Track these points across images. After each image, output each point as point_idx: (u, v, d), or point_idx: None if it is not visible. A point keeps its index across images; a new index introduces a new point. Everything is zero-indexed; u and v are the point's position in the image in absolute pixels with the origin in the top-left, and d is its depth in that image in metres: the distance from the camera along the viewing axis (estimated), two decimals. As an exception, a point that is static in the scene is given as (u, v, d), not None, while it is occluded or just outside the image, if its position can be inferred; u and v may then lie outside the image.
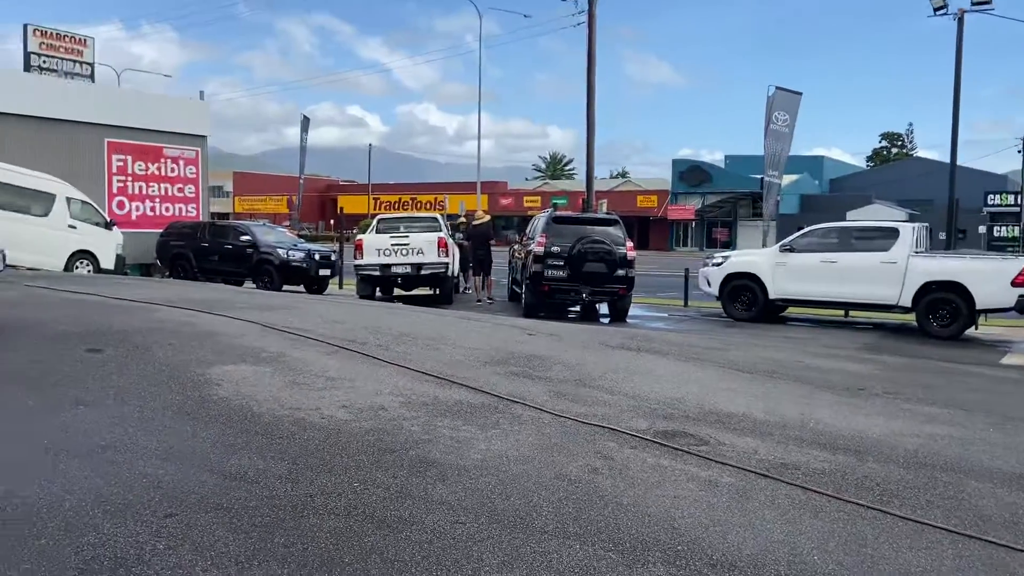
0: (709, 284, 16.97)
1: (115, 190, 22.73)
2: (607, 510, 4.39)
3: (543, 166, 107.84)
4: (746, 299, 16.42)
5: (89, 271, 17.55)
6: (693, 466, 5.17)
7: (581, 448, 5.50)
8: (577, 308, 17.90)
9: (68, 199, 17.68)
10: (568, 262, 15.62)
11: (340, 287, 22.57)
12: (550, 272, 15.70)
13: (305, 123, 30.75)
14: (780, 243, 16.66)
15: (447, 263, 18.58)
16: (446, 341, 8.87)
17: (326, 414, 5.78)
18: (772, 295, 16.05)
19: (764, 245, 23.02)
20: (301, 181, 30.24)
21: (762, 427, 6.21)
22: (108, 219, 19.14)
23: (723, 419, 6.36)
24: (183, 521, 3.95)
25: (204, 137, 25.15)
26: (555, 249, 15.70)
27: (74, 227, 17.60)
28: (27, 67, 24.31)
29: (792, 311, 17.65)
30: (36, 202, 17.02)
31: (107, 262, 18.16)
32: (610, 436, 5.72)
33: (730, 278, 16.55)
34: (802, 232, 16.46)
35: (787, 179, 43.84)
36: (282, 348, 7.65)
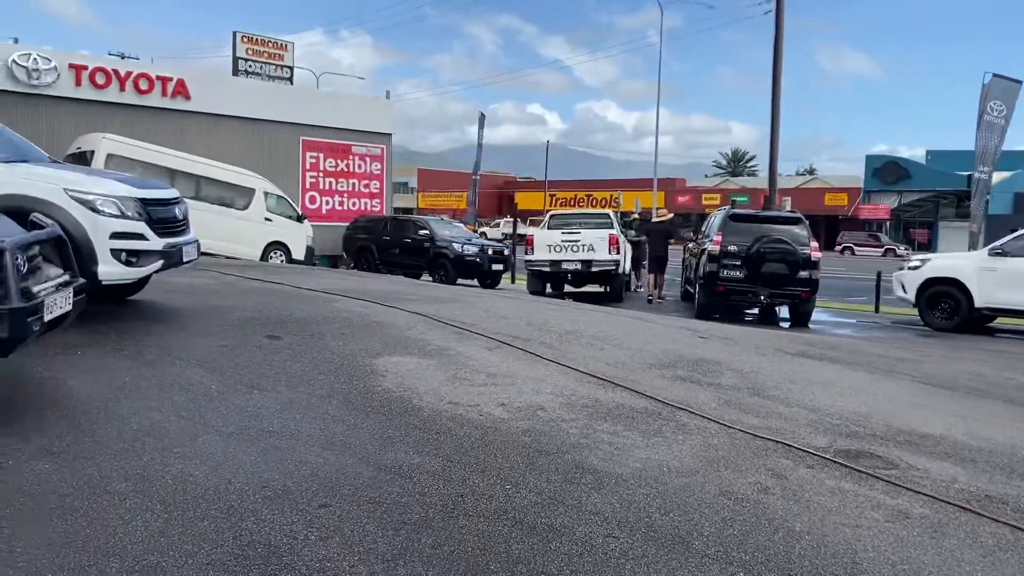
0: (904, 289, 15.51)
1: (307, 185, 24.27)
2: (777, 536, 3.97)
3: (724, 162, 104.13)
4: (947, 307, 14.85)
5: (282, 261, 18.81)
6: (879, 492, 4.61)
7: (751, 464, 5.06)
8: (754, 311, 16.99)
9: (266, 194, 19.02)
10: (746, 262, 14.83)
11: (512, 281, 22.82)
12: (726, 272, 14.98)
13: (481, 120, 31.42)
14: (990, 246, 14.92)
15: (618, 260, 18.25)
16: (611, 341, 8.59)
17: (484, 411, 5.70)
18: (978, 303, 14.40)
19: (973, 248, 20.80)
20: (476, 177, 30.96)
21: (963, 452, 5.47)
22: (300, 212, 20.42)
23: (916, 440, 5.66)
24: (336, 513, 3.97)
25: (389, 135, 26.30)
26: (732, 248, 14.95)
27: (270, 220, 18.92)
28: (235, 71, 26.44)
29: (1001, 322, 15.79)
30: (238, 196, 18.47)
31: (298, 253, 19.38)
32: (784, 452, 5.24)
33: (929, 283, 15.04)
34: (1017, 234, 14.65)
35: (999, 176, 39.59)
36: (447, 342, 7.69)
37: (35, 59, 18.29)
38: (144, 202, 7.02)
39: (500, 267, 21.71)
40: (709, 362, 7.93)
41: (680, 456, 5.10)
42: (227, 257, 16.35)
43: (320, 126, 24.23)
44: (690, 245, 19.35)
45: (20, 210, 5.86)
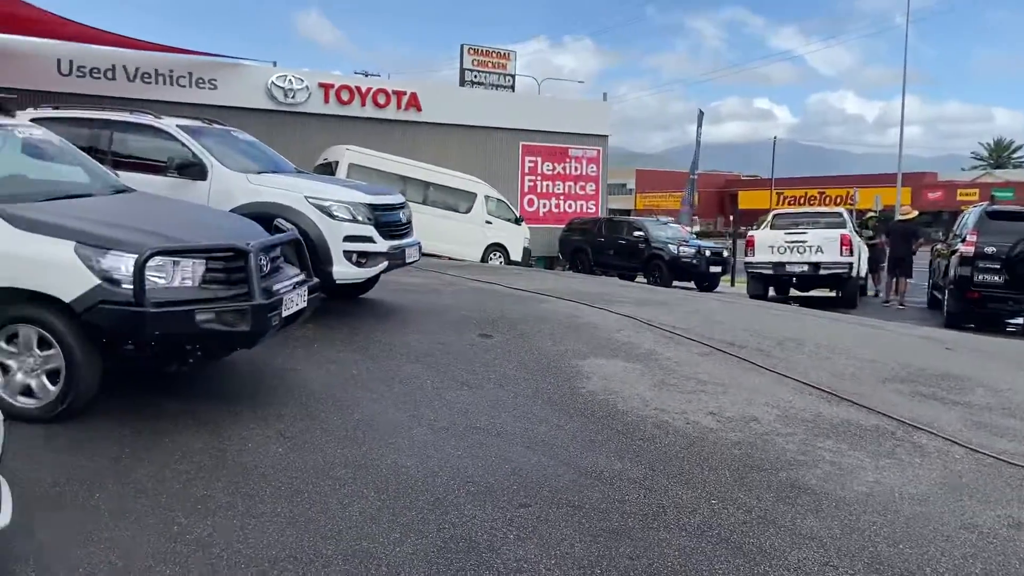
0: None
1: (526, 188, 24.91)
2: (1032, 583, 3.44)
3: (984, 153, 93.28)
4: None
5: (500, 262, 19.46)
6: None
7: (1001, 494, 4.45)
8: (1017, 321, 15.02)
9: (486, 197, 19.78)
10: (1006, 266, 13.11)
11: (732, 284, 21.95)
12: (981, 277, 13.34)
13: (700, 117, 30.48)
14: None
15: (851, 263, 16.87)
16: (839, 350, 7.95)
17: (691, 419, 5.48)
18: None
19: None
20: (693, 177, 30.06)
21: None
22: (518, 215, 21.01)
23: None
24: (535, 513, 3.98)
25: (605, 136, 26.31)
26: (989, 250, 13.29)
27: (490, 223, 19.64)
28: (462, 82, 27.76)
29: None
30: (461, 200, 19.38)
31: (516, 255, 19.96)
32: (1045, 486, 4.54)
33: None
34: None
35: None
36: (655, 345, 7.51)
37: (290, 80, 20.34)
38: (372, 207, 7.53)
39: (718, 269, 20.95)
40: (956, 377, 7.09)
41: (915, 481, 4.59)
42: (450, 258, 17.18)
43: (538, 131, 24.77)
44: (939, 246, 17.48)
45: (267, 215, 6.50)
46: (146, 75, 18.32)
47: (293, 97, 20.38)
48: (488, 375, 6.25)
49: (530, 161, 25.02)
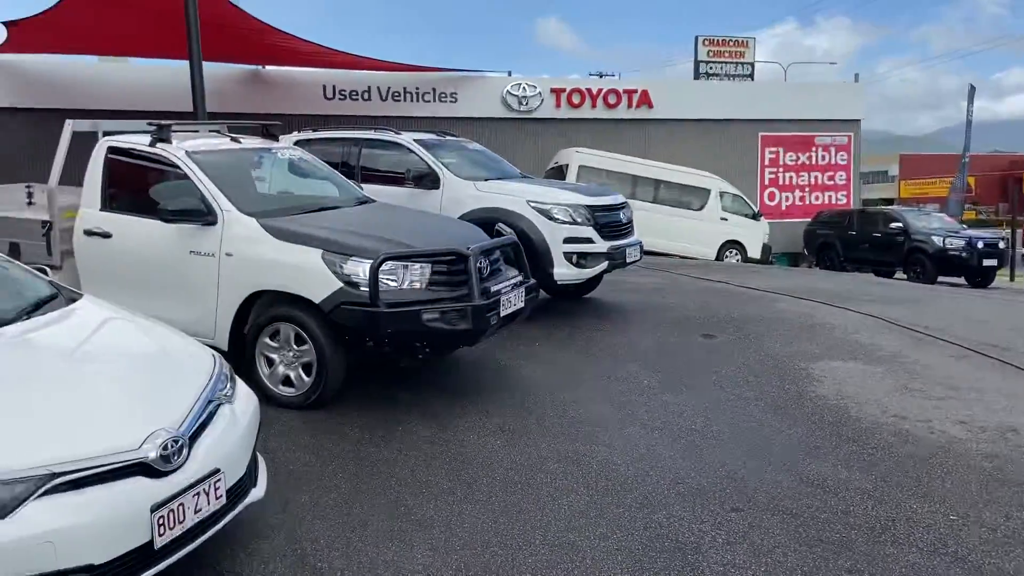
0: None
1: (766, 182, 23.78)
2: None
3: None
4: None
5: (737, 260, 18.77)
6: None
7: None
8: None
9: (721, 193, 19.16)
10: None
11: (1011, 279, 19.44)
12: None
13: (971, 93, 27.27)
14: None
15: None
16: None
17: (936, 428, 4.98)
18: None
19: None
20: (965, 160, 26.96)
21: None
22: (756, 210, 20.13)
23: None
24: (747, 519, 3.85)
25: (857, 121, 24.40)
26: None
27: (725, 219, 19.00)
28: (696, 75, 27.13)
29: None
30: (694, 197, 18.94)
31: (754, 251, 19.13)
32: None
33: None
34: None
35: None
36: (901, 347, 6.89)
37: (524, 88, 21.13)
38: (592, 208, 7.65)
39: (993, 262, 18.61)
40: None
41: None
42: (682, 257, 16.89)
43: (780, 119, 23.53)
44: None
45: (492, 220, 6.85)
46: (396, 94, 19.94)
47: (526, 104, 21.11)
48: (708, 376, 6.10)
49: (771, 152, 23.87)
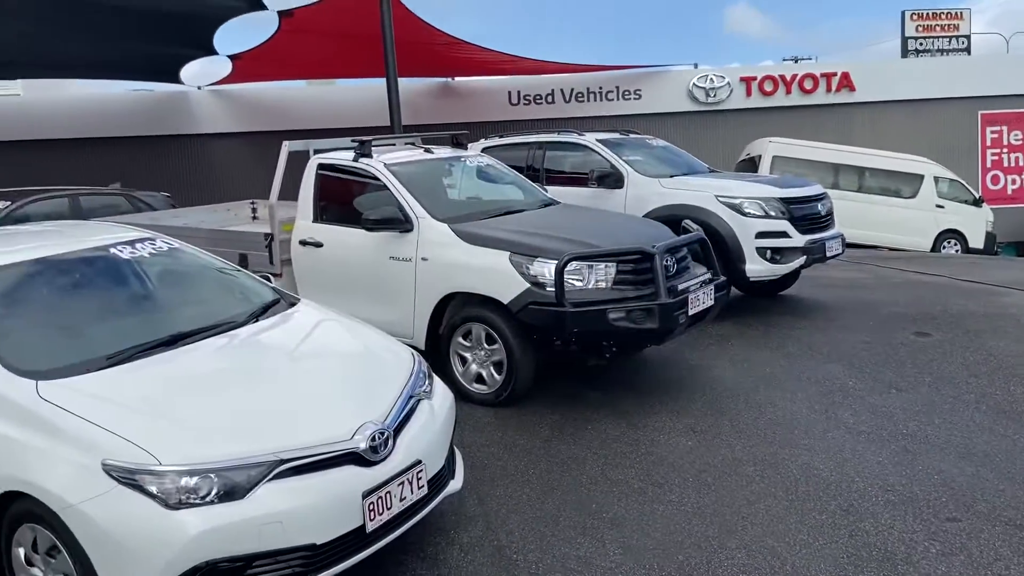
0: None
1: (988, 164, 21.53)
2: None
3: None
4: None
5: (956, 251, 17.14)
6: None
7: None
8: None
9: (936, 178, 17.56)
10: None
11: None
12: None
13: None
14: None
15: None
16: None
17: None
18: None
19: None
20: None
21: None
22: (977, 196, 18.28)
23: None
24: (965, 529, 3.54)
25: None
26: None
27: (941, 207, 17.39)
28: (904, 52, 25.07)
29: None
30: (904, 184, 17.48)
31: (975, 241, 17.36)
32: None
33: None
34: None
35: None
36: None
37: (711, 79, 20.54)
38: (786, 201, 7.30)
39: None
40: None
41: None
42: (891, 249, 15.68)
43: (1003, 95, 21.26)
44: None
45: (678, 217, 6.73)
46: (579, 95, 20.10)
47: (714, 96, 20.55)
48: (921, 377, 5.64)
49: (993, 132, 21.63)
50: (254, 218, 8.88)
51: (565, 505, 4.01)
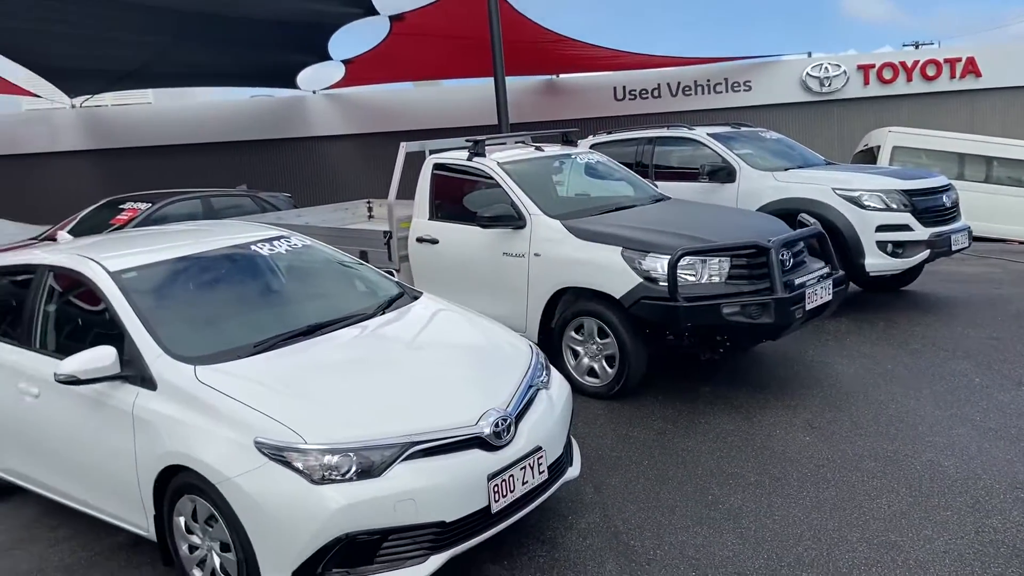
0: None
1: None
2: None
3: None
4: None
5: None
6: None
7: None
8: None
9: (1073, 165, 16.44)
10: None
11: None
12: None
13: None
14: None
15: None
16: None
17: None
18: None
19: None
20: None
21: None
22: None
23: None
24: (1109, 535, 3.38)
25: None
26: None
27: (1078, 195, 16.28)
28: (1036, 34, 23.54)
29: None
30: (1037, 173, 16.47)
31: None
32: None
33: None
34: None
35: None
36: None
37: (825, 68, 19.84)
38: (908, 193, 7.05)
39: None
40: None
41: None
42: (1020, 242, 14.78)
43: None
44: None
45: (793, 211, 6.62)
46: (687, 88, 19.82)
47: (829, 85, 19.85)
48: (1056, 374, 5.38)
49: None
50: (370, 217, 9.26)
51: (681, 495, 4.07)
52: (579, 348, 5.59)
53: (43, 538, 4.21)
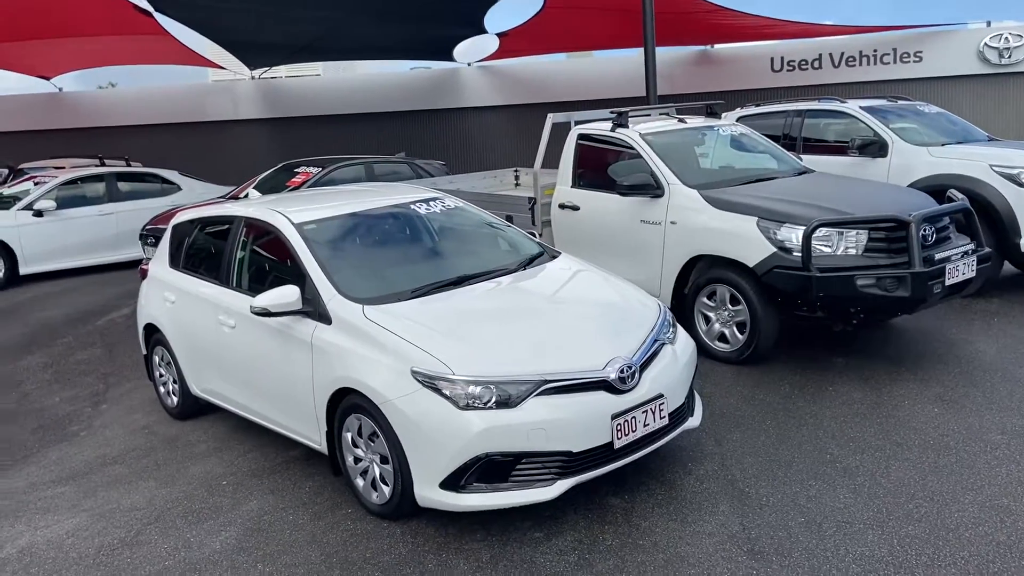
0: None
1: None
2: None
3: None
4: None
5: None
6: None
7: None
8: None
9: None
10: None
11: None
12: None
13: None
14: None
15: None
16: None
17: None
18: None
19: None
20: None
21: None
22: None
23: None
24: None
25: None
26: None
27: None
28: None
29: None
30: None
31: None
32: None
33: None
34: None
35: None
36: None
37: (1006, 38, 18.37)
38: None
39: None
40: None
41: None
42: None
43: None
44: None
45: (946, 187, 6.48)
46: (850, 59, 18.95)
47: (1009, 57, 18.41)
48: None
49: None
50: (516, 184, 9.72)
51: (799, 453, 4.26)
52: (711, 314, 5.80)
53: (234, 449, 4.97)
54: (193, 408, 5.48)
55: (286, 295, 4.15)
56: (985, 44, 18.51)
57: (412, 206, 5.03)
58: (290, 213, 4.70)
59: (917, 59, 18.80)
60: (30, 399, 6.48)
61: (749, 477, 4.04)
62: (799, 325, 5.84)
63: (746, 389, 5.21)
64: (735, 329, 5.65)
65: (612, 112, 6.78)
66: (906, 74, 18.47)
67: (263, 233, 4.82)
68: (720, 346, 5.75)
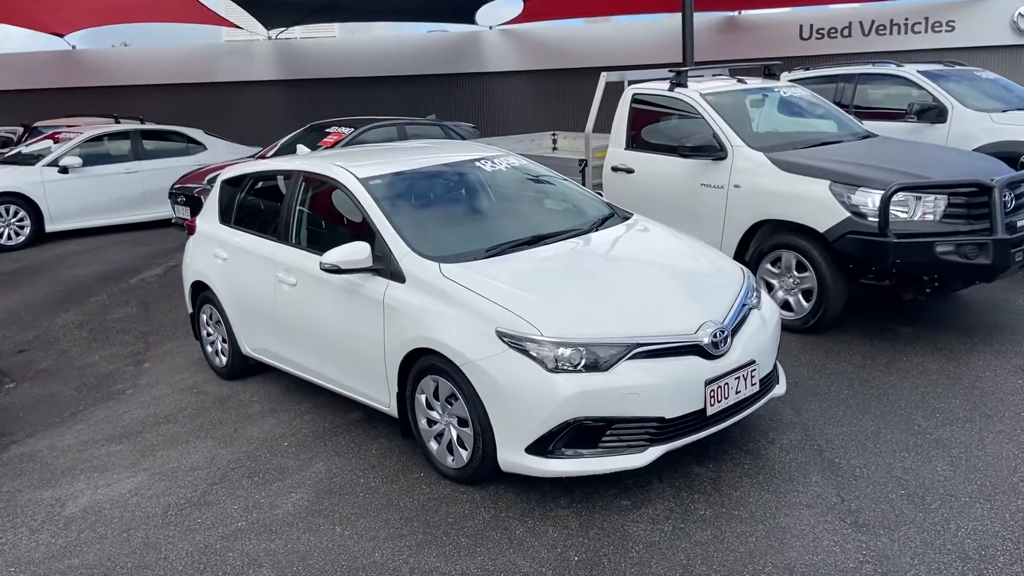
0: None
1: None
2: None
3: None
4: None
5: None
6: None
7: None
8: None
9: None
10: None
11: None
12: None
13: None
14: None
15: None
16: None
17: None
18: None
19: None
20: None
21: None
22: None
23: None
24: None
25: None
26: None
27: None
28: None
29: None
30: None
31: None
32: None
33: None
34: None
35: None
36: None
37: (1041, 9, 18.03)
38: None
39: None
40: None
41: None
42: None
43: None
44: None
45: (1008, 154, 6.27)
46: (880, 27, 18.55)
47: (1045, 27, 18.01)
48: None
49: None
50: (554, 148, 9.49)
51: (884, 423, 4.12)
52: (774, 281, 5.63)
53: (290, 410, 4.83)
54: (243, 368, 5.34)
55: (357, 251, 3.97)
56: (1019, 14, 18.09)
57: (477, 163, 4.84)
58: (354, 168, 4.51)
59: (949, 28, 18.40)
60: (69, 356, 6.35)
61: (836, 447, 3.89)
62: (861, 293, 5.67)
63: (816, 358, 5.05)
64: (800, 296, 5.48)
65: (671, 71, 6.55)
66: (937, 43, 18.07)
67: (325, 188, 4.64)
68: (784, 314, 5.51)
